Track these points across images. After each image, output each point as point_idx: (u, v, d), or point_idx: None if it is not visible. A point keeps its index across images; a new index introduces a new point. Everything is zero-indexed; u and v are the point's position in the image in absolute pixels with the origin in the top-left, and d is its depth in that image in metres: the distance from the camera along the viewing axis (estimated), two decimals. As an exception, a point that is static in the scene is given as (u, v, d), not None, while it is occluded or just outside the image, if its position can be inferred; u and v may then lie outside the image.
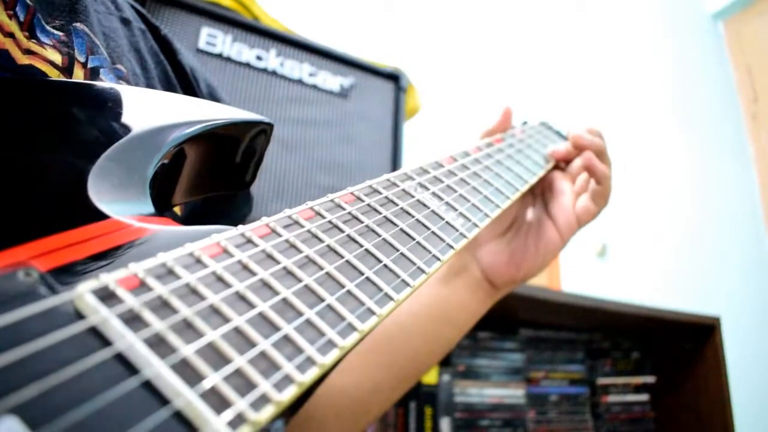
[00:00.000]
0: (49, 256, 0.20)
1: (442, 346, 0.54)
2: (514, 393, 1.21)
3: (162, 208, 0.34)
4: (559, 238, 0.52)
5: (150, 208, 0.27)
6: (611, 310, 1.19)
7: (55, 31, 0.33)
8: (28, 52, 0.31)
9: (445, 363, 1.13)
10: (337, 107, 1.03)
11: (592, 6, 2.21)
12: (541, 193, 0.56)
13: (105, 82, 0.35)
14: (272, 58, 0.98)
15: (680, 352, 1.36)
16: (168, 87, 0.44)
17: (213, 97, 0.48)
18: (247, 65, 0.95)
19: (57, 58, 0.33)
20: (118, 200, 0.25)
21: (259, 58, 0.97)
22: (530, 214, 0.55)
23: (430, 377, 1.09)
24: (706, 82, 2.40)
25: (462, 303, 0.53)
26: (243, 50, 0.95)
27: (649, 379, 1.38)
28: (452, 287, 0.53)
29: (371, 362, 0.51)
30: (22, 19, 0.31)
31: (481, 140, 0.50)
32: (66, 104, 0.29)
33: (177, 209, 0.40)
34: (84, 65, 0.35)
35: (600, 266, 1.91)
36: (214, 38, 0.93)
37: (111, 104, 0.30)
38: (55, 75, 0.32)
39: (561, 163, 0.57)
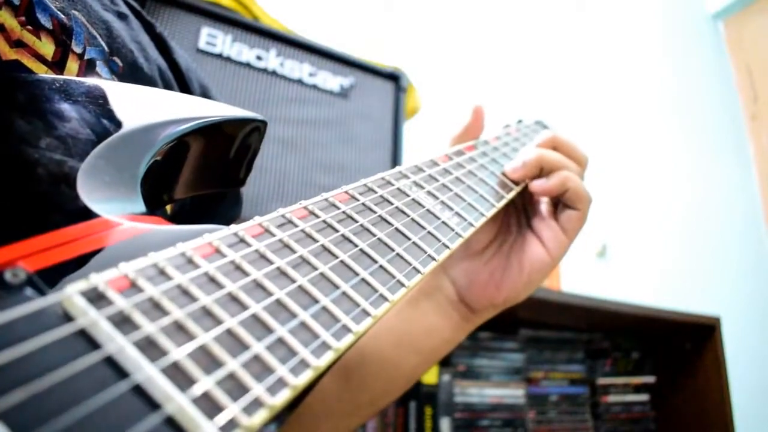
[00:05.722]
0: (38, 256, 0.19)
1: (405, 375, 0.49)
2: (514, 393, 1.21)
3: (154, 205, 0.33)
4: (546, 254, 0.46)
5: (141, 207, 0.26)
6: (611, 310, 1.19)
7: (58, 12, 0.33)
8: (18, 44, 0.30)
9: (445, 363, 1.13)
10: (337, 107, 1.02)
11: (592, 6, 2.21)
12: (522, 206, 0.51)
13: (94, 79, 0.34)
14: (272, 58, 0.98)
15: (680, 352, 1.36)
16: (165, 83, 0.43)
17: (206, 97, 0.48)
18: (247, 65, 0.95)
19: (49, 50, 0.32)
20: (109, 199, 0.25)
21: (259, 58, 0.96)
22: (513, 230, 0.50)
23: (430, 377, 1.09)
24: (706, 82, 2.39)
25: (430, 327, 0.48)
26: (243, 50, 0.95)
27: (649, 379, 1.37)
28: (420, 310, 0.48)
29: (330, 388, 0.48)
30: (17, 2, 0.30)
31: (477, 140, 0.50)
32: (54, 100, 0.28)
33: (168, 207, 0.40)
34: (80, 56, 0.34)
35: (600, 266, 1.91)
36: (214, 38, 0.93)
37: (101, 101, 0.30)
38: (42, 71, 0.31)
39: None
